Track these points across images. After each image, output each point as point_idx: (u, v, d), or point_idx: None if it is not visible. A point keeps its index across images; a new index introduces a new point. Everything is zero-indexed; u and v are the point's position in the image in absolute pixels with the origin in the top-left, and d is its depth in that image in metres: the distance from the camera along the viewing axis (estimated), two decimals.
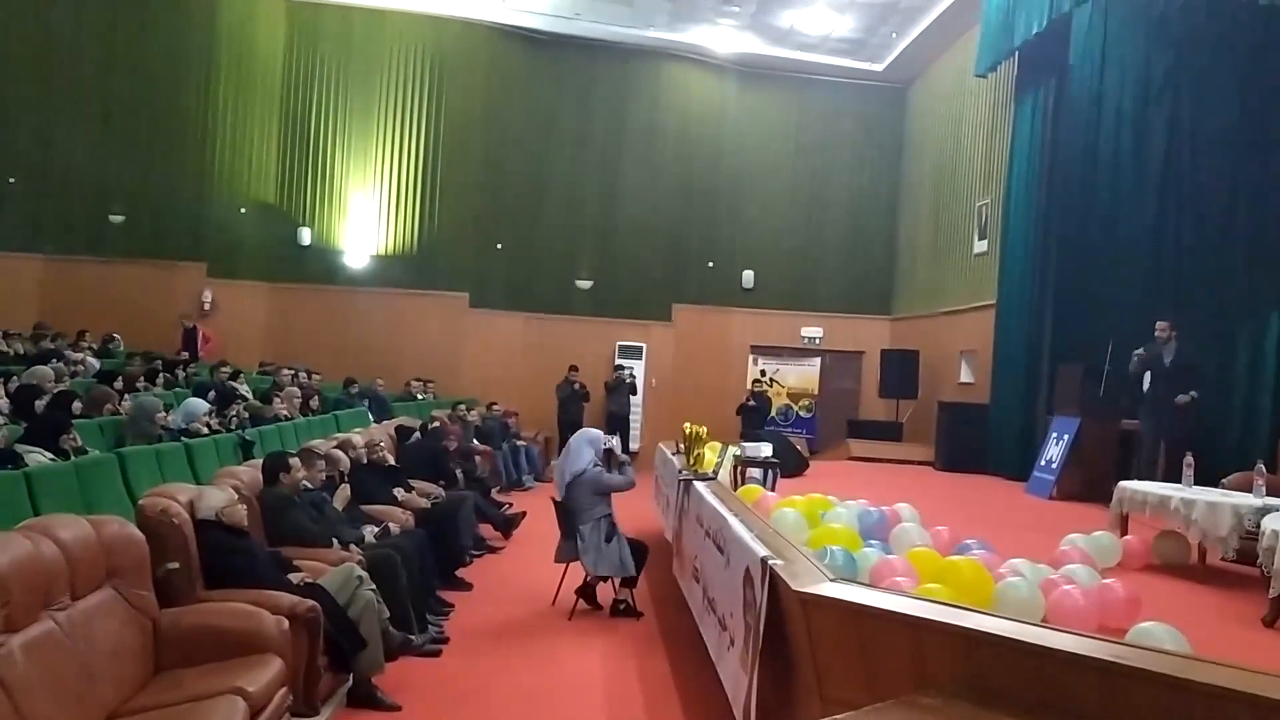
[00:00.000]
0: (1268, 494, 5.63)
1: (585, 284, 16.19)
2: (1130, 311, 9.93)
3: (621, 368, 15.33)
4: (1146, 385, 8.39)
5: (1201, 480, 6.20)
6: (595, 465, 6.61)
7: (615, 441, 6.97)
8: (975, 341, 12.73)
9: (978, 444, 11.39)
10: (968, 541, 5.03)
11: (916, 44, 14.82)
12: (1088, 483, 8.67)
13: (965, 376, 13.22)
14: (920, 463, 12.05)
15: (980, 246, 13.03)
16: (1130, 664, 2.46)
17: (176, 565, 4.01)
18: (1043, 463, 9.36)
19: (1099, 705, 2.48)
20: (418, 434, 9.74)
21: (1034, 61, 11.28)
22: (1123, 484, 6.49)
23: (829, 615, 3.05)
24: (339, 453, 6.67)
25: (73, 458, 5.50)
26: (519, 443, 13.44)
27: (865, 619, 2.96)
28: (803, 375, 16.59)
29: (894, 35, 14.88)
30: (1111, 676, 2.47)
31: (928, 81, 15.73)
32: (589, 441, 6.73)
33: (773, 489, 7.25)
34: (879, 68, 16.05)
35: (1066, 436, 9.05)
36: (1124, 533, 6.14)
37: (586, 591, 6.68)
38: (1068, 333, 10.61)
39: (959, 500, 8.07)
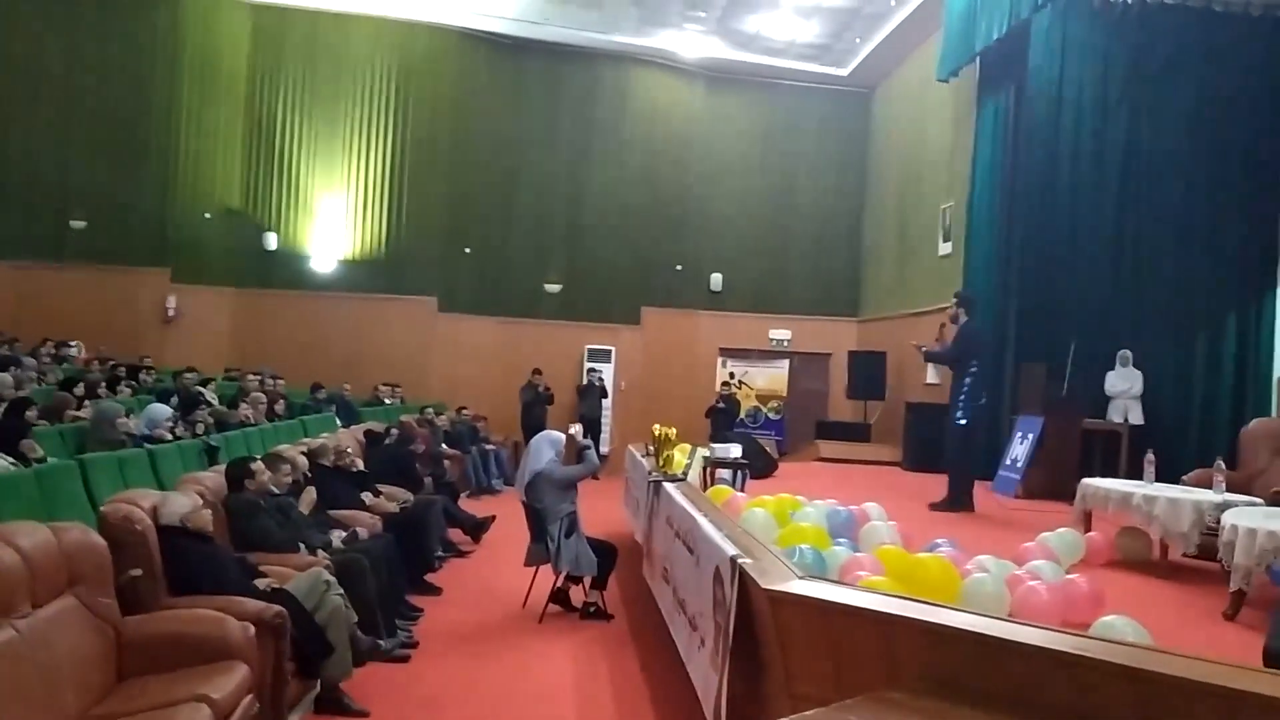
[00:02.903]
0: (1227, 490, 5.73)
1: (554, 288, 16.17)
2: (1092, 311, 10.09)
3: (594, 371, 15.34)
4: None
5: (1162, 477, 6.29)
6: (553, 461, 6.62)
7: (577, 429, 6.99)
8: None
9: (944, 444, 11.48)
10: (937, 541, 5.08)
11: (880, 49, 14.94)
12: (1052, 481, 8.77)
13: (931, 378, 13.32)
14: (888, 463, 12.14)
15: (945, 248, 13.15)
16: (1094, 656, 2.49)
17: (139, 572, 3.96)
18: (1008, 462, 9.45)
19: (1064, 697, 2.51)
20: (388, 439, 9.69)
21: (995, 66, 11.39)
22: (1085, 481, 6.57)
23: (798, 612, 3.07)
24: (297, 454, 6.61)
25: (32, 465, 5.42)
26: (488, 447, 13.40)
27: (834, 616, 2.98)
28: (771, 377, 16.67)
29: (858, 40, 14.99)
30: (1076, 669, 2.50)
31: (892, 86, 15.87)
32: (550, 443, 6.73)
33: (742, 490, 7.27)
34: (844, 72, 16.17)
35: (1031, 435, 9.15)
36: (1087, 529, 6.22)
37: (560, 596, 6.67)
38: (1031, 333, 10.72)
39: (926, 499, 8.13)
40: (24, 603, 3.19)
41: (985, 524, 7.33)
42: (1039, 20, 10.44)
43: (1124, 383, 9.60)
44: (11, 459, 5.40)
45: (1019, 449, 9.30)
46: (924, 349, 8.67)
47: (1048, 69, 10.74)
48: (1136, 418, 9.44)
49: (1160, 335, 9.84)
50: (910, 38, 14.16)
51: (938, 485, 8.28)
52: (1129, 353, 9.64)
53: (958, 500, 8.00)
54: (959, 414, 8.18)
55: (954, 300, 8.45)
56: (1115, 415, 9.53)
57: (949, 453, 8.44)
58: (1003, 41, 10.27)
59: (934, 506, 7.94)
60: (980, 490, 8.28)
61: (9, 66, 13.84)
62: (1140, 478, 6.30)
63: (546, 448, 6.67)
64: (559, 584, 6.64)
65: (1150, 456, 6.32)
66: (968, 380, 8.18)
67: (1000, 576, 4.20)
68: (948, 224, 13.08)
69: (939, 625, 2.73)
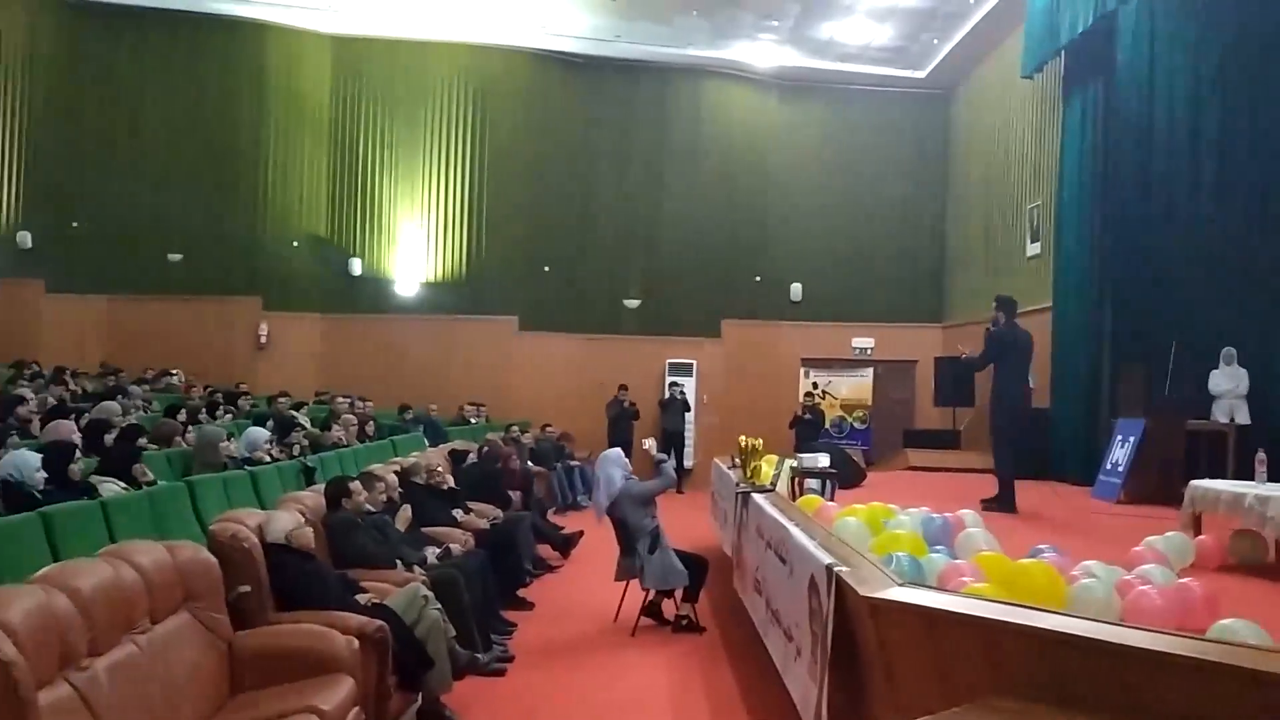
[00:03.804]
0: None
1: (633, 303, 16.24)
2: (1192, 309, 9.73)
3: (676, 384, 15.35)
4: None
5: (1274, 477, 6.03)
6: (627, 478, 6.64)
7: (650, 443, 7.01)
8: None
9: (1039, 450, 11.16)
10: (1040, 546, 4.94)
11: (959, 49, 14.73)
12: (1156, 485, 8.48)
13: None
14: (980, 470, 11.84)
15: (1033, 249, 12.86)
16: (1215, 660, 2.39)
17: (248, 589, 4.07)
18: (1108, 466, 9.17)
19: (1183, 703, 2.42)
20: (473, 456, 9.83)
21: (1081, 60, 11.14)
22: (1194, 483, 6.34)
23: (900, 620, 3.01)
24: (389, 473, 6.74)
25: (143, 488, 5.64)
26: (572, 463, 13.49)
27: (937, 623, 2.91)
28: (855, 386, 16.46)
29: (935, 41, 14.80)
30: (1194, 673, 2.40)
31: (972, 86, 15.61)
32: (613, 462, 6.74)
33: (831, 499, 7.18)
34: (921, 75, 15.97)
35: (1132, 439, 8.86)
36: (1197, 533, 5.99)
37: (653, 610, 6.67)
38: (1128, 333, 10.41)
39: (1023, 506, 7.93)
40: (143, 618, 3.31)
41: (1087, 529, 7.11)
42: (1126, 11, 10.18)
43: (1229, 381, 9.23)
44: (124, 483, 5.62)
45: (1119, 453, 9.02)
46: (965, 356, 8.56)
47: (1137, 60, 10.44)
48: (1243, 417, 9.06)
49: (1265, 331, 9.43)
50: (990, 36, 13.93)
51: (1031, 492, 8.09)
52: (1233, 350, 9.27)
53: (1006, 501, 7.88)
54: (1001, 415, 8.20)
55: (994, 305, 8.33)
56: (1220, 415, 9.16)
57: (995, 453, 8.44)
58: (1088, 34, 10.03)
59: (986, 504, 7.78)
60: (1080, 496, 8.06)
61: (109, 110, 14.56)
62: (1250, 478, 6.05)
63: (613, 468, 6.68)
64: (650, 598, 6.64)
65: (1261, 456, 6.07)
66: (1006, 381, 8.13)
67: (1109, 582, 4.06)
68: (1036, 224, 12.80)
69: (1050, 631, 2.66)
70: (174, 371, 13.17)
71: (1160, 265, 10.13)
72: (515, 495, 9.70)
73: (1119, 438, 9.17)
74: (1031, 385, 12.82)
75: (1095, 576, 4.09)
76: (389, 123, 15.69)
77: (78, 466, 5.39)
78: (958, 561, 4.43)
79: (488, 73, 15.78)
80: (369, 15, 14.94)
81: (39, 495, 4.86)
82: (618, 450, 6.98)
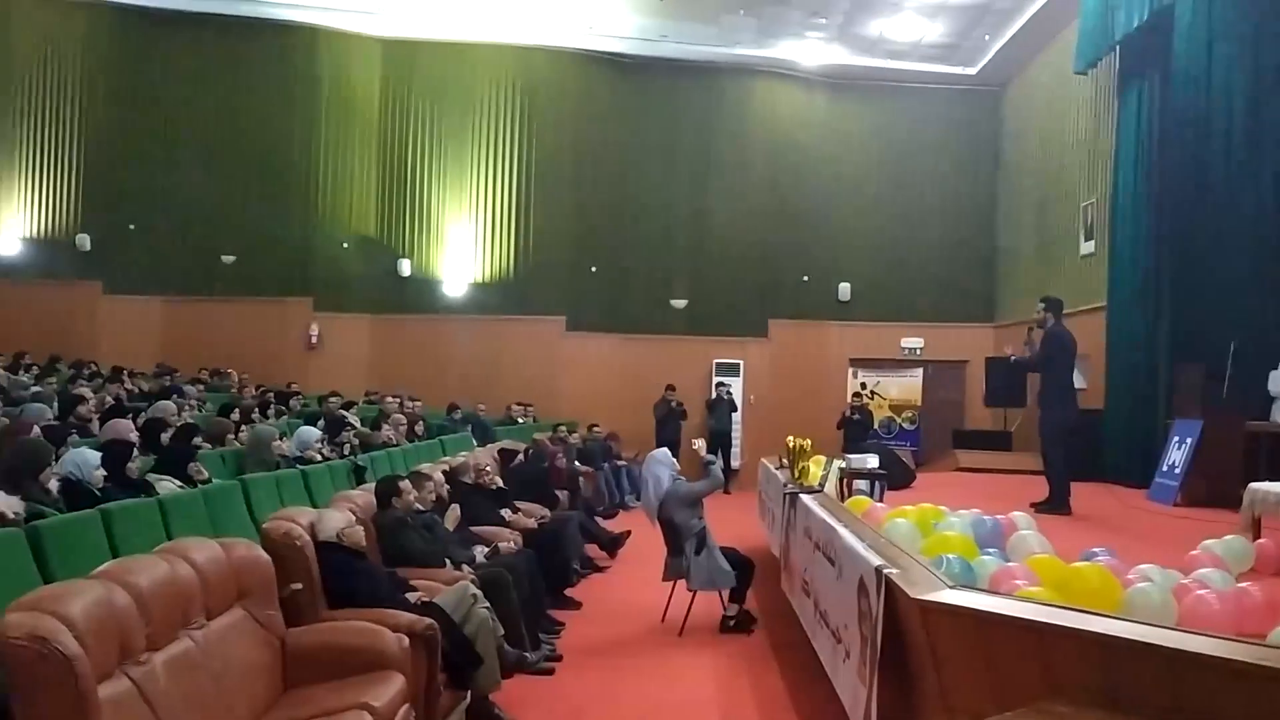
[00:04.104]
0: None
1: (680, 303, 16.23)
2: (1252, 307, 9.50)
3: (723, 385, 15.32)
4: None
5: None
6: (675, 479, 6.62)
7: (700, 444, 6.98)
8: (1086, 345, 12.21)
9: (1093, 451, 10.97)
10: (1094, 549, 4.85)
11: (1011, 45, 14.52)
12: (1214, 487, 8.29)
13: (1076, 382, 12.76)
14: (1032, 472, 11.65)
15: (1087, 248, 12.64)
16: (1274, 666, 2.33)
17: (300, 586, 4.13)
18: (1164, 468, 8.98)
19: (1239, 710, 2.36)
20: (521, 456, 9.90)
21: (1136, 55, 10.92)
22: (1254, 485, 6.18)
23: (951, 623, 2.98)
24: (437, 473, 6.80)
25: (199, 486, 5.76)
26: (619, 463, 13.51)
27: (989, 626, 2.87)
28: (904, 387, 16.31)
29: (987, 38, 14.60)
30: (1254, 680, 2.35)
31: (1024, 82, 15.37)
32: (659, 462, 6.73)
33: (880, 500, 7.11)
34: (972, 71, 15.77)
35: (1189, 440, 8.67)
36: (1257, 536, 5.85)
37: (727, 624, 6.61)
38: (1185, 333, 10.19)
39: (1077, 508, 7.80)
40: (199, 614, 3.36)
41: (1143, 532, 6.98)
42: (1182, 5, 9.96)
43: None
44: (180, 481, 5.74)
45: (1176, 454, 8.83)
46: (1014, 358, 8.45)
47: (1194, 55, 10.19)
48: None
49: None
50: (1043, 31, 13.71)
51: (1085, 494, 7.95)
52: None
53: (1058, 503, 7.77)
54: (1051, 416, 8.14)
55: (1041, 305, 8.22)
56: None
57: (1046, 455, 8.35)
58: (1144, 29, 9.83)
59: (1037, 506, 7.65)
60: (1136, 497, 7.92)
61: (164, 115, 14.89)
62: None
63: (660, 469, 6.67)
64: (727, 612, 6.59)
65: None
66: (1056, 382, 8.06)
67: (1166, 586, 3.98)
68: (1090, 222, 12.57)
69: (1104, 635, 2.61)
70: (229, 371, 13.43)
71: (1218, 263, 9.89)
72: (563, 495, 9.75)
73: (1176, 439, 8.98)
74: (1081, 386, 12.65)
75: (1151, 580, 4.00)
76: (438, 124, 15.85)
77: (135, 465, 5.51)
78: (1010, 564, 4.37)
79: (535, 74, 15.87)
80: (418, 18, 15.09)
81: (98, 493, 4.98)
82: (665, 450, 6.98)
